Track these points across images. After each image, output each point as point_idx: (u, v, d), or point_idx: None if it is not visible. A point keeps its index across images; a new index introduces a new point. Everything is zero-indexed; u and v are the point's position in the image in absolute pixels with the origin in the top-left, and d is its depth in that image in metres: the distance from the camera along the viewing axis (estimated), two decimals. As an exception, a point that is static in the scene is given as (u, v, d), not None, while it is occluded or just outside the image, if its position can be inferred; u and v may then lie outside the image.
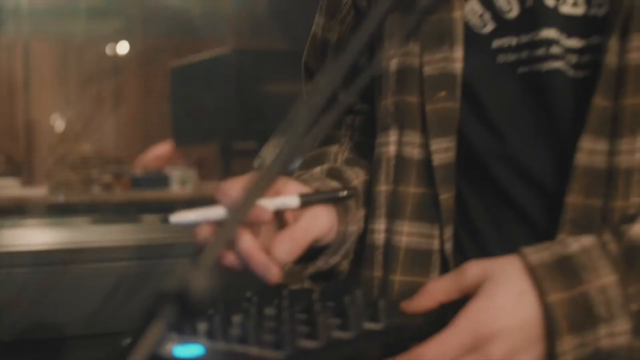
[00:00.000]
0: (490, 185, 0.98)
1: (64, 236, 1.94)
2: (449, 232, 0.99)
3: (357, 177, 1.07)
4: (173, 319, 0.51)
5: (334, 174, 1.05)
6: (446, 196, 0.98)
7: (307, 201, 0.92)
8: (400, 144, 1.02)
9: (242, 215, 0.56)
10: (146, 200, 4.30)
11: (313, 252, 0.97)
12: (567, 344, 0.77)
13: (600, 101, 0.86)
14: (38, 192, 4.71)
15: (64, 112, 6.61)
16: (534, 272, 0.79)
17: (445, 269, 0.99)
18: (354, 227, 1.03)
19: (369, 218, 1.05)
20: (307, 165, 1.11)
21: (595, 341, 0.78)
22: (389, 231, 1.02)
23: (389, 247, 1.02)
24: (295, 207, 0.91)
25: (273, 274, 0.84)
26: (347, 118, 1.17)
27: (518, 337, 0.78)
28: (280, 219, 0.93)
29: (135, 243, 1.63)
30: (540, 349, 0.79)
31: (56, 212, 4.03)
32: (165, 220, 0.83)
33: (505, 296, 0.78)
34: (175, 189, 4.52)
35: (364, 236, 1.07)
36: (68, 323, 1.51)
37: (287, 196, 0.90)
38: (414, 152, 1.00)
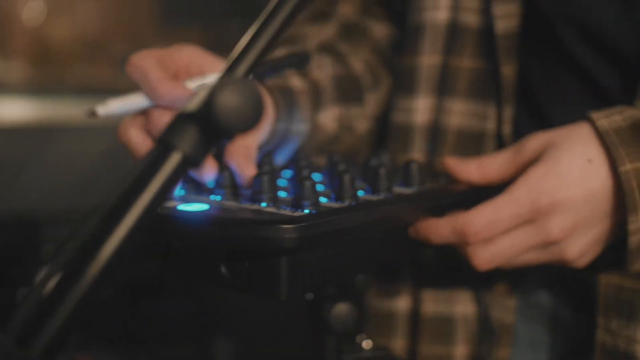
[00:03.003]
0: (557, 57, 0.84)
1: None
2: (508, 112, 0.85)
3: (319, 68, 0.89)
4: (193, 145, 0.41)
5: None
6: (508, 70, 0.84)
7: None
8: (454, 9, 0.87)
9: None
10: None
11: None
12: None
13: None
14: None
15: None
16: (604, 138, 0.68)
17: None
18: (300, 127, 0.85)
19: (396, 93, 0.91)
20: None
21: None
22: (438, 110, 0.88)
23: (436, 129, 0.88)
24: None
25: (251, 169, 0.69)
26: None
27: (582, 210, 0.68)
28: None
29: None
30: (605, 225, 0.69)
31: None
32: (93, 114, 0.69)
33: (571, 164, 0.68)
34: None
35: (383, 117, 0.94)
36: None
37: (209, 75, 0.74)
38: (471, 18, 0.86)
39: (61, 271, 0.40)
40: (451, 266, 0.88)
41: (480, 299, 0.87)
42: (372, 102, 0.94)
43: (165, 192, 0.41)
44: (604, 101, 0.79)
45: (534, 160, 0.70)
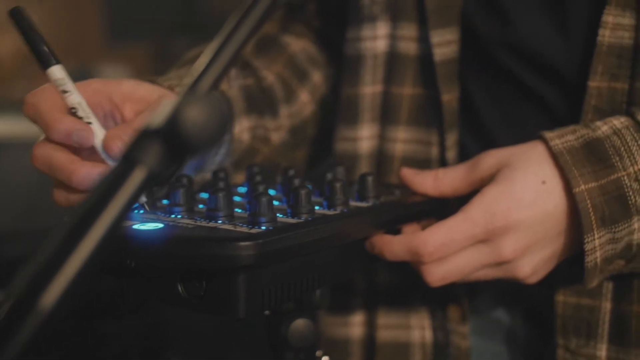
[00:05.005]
0: (499, 79, 0.85)
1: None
2: (452, 138, 0.86)
3: (226, 80, 0.89)
4: (158, 161, 0.41)
5: None
6: (449, 97, 0.85)
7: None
8: (392, 37, 0.88)
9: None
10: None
11: None
12: (597, 239, 0.68)
13: None
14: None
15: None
16: (558, 159, 0.69)
17: None
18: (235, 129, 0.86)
19: (340, 123, 0.91)
20: (189, 59, 0.91)
21: (627, 235, 0.69)
22: (381, 138, 0.89)
23: (381, 156, 0.89)
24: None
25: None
26: None
27: (536, 231, 0.69)
28: None
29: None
30: (559, 244, 0.70)
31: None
32: None
33: (525, 185, 0.69)
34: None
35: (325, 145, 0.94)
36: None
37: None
38: (410, 47, 0.87)
39: (21, 292, 0.39)
40: (405, 290, 0.89)
41: (436, 324, 0.88)
42: (286, 114, 0.94)
43: (129, 207, 0.41)
44: (551, 120, 0.81)
45: (488, 178, 0.71)
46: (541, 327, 0.85)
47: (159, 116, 0.41)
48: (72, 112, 0.67)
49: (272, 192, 0.73)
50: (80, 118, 0.67)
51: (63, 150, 0.66)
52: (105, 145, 0.66)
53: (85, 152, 0.68)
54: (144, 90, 0.73)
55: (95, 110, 0.69)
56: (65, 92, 0.67)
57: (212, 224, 0.62)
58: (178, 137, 0.40)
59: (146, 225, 0.62)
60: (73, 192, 0.67)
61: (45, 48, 0.68)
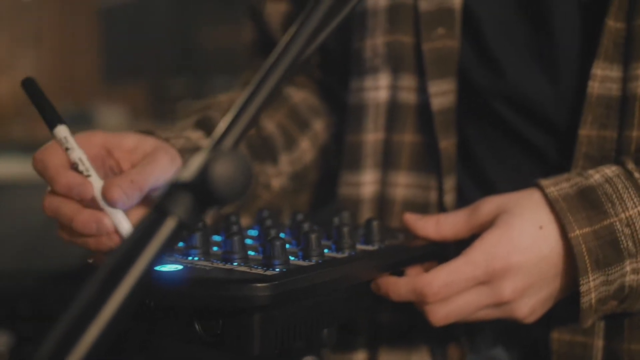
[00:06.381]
0: (495, 127, 0.90)
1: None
2: (449, 182, 0.90)
3: None
4: (188, 212, 0.44)
5: (203, 123, 0.90)
6: (446, 143, 0.89)
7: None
8: (393, 88, 0.92)
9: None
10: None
11: None
12: (592, 282, 0.71)
13: (613, 23, 0.79)
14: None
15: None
16: (554, 205, 0.73)
17: None
18: None
19: (343, 169, 0.95)
20: (192, 112, 0.96)
21: (620, 278, 0.73)
22: (383, 183, 0.93)
23: (383, 200, 0.93)
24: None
25: (104, 224, 0.71)
26: None
27: (533, 273, 0.72)
28: None
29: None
30: (555, 286, 0.74)
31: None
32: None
33: (523, 230, 0.72)
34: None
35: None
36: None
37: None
38: (409, 97, 0.91)
39: (61, 337, 0.42)
40: (406, 329, 0.92)
41: None
42: (286, 161, 0.98)
43: (160, 255, 0.44)
44: (544, 166, 0.86)
45: (487, 223, 0.75)
46: None
47: (188, 170, 0.44)
48: (73, 167, 0.73)
49: (282, 235, 0.76)
50: (81, 172, 0.73)
51: (68, 200, 0.73)
52: (104, 193, 0.72)
53: (89, 200, 0.74)
54: (140, 141, 0.78)
55: (96, 161, 0.76)
56: (68, 149, 0.74)
57: (228, 266, 0.65)
58: (207, 190, 0.43)
59: (165, 267, 0.65)
60: (75, 235, 0.73)
61: (52, 111, 0.75)
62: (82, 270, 0.72)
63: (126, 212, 0.75)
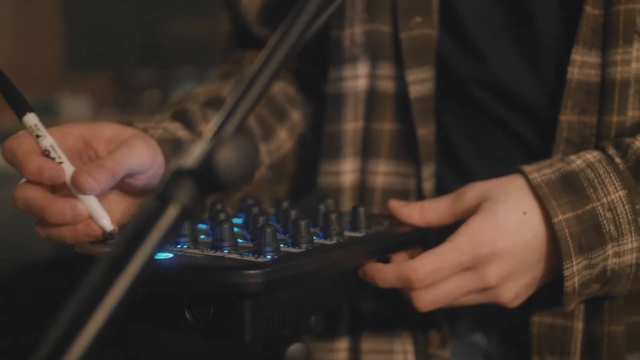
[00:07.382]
0: (475, 114, 0.91)
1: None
2: (428, 170, 0.91)
3: (205, 119, 0.91)
4: (190, 199, 0.44)
5: (180, 114, 0.90)
6: (425, 131, 0.90)
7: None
8: (372, 77, 0.92)
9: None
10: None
11: None
12: (575, 266, 0.73)
13: (591, 9, 0.80)
14: None
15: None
16: (537, 191, 0.74)
17: None
18: None
19: (323, 158, 0.96)
20: (169, 105, 0.96)
21: (602, 261, 0.74)
22: (363, 171, 0.93)
23: (363, 189, 0.93)
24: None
25: (79, 209, 0.71)
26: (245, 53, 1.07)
27: (518, 259, 0.73)
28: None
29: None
30: (539, 270, 0.75)
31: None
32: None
33: (507, 216, 0.73)
34: (66, 120, 4.29)
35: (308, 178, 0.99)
36: None
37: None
38: (388, 85, 0.91)
39: (66, 324, 0.42)
40: (389, 316, 0.93)
41: (418, 348, 0.92)
42: (264, 152, 0.98)
43: (164, 242, 0.44)
44: (524, 152, 0.87)
45: (471, 209, 0.76)
46: (517, 348, 0.89)
47: (191, 156, 0.44)
48: (45, 154, 0.72)
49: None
50: (52, 159, 0.72)
51: (38, 189, 0.72)
52: (73, 179, 0.71)
53: (62, 190, 0.73)
54: (118, 131, 0.78)
55: (73, 152, 0.75)
56: (38, 136, 0.73)
57: (218, 254, 0.65)
58: (211, 176, 0.43)
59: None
60: (50, 226, 0.72)
61: (20, 99, 0.74)
62: (73, 259, 0.71)
63: (106, 199, 0.75)
